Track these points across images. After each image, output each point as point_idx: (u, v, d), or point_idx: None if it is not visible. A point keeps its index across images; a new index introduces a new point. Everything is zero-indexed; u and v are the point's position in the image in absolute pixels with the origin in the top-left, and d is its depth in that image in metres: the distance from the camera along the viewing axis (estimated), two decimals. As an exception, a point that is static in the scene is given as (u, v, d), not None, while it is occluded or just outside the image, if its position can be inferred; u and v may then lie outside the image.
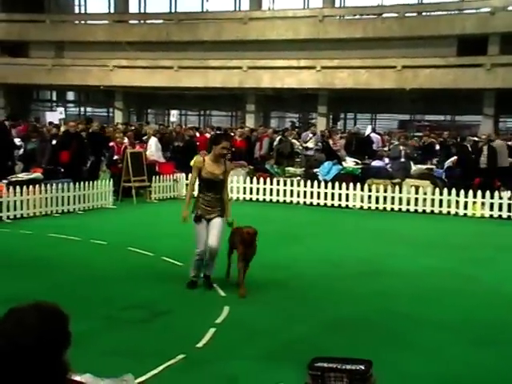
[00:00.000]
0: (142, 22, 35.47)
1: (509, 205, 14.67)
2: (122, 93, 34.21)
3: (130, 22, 35.59)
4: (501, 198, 14.81)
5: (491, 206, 14.85)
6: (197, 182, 7.52)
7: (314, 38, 30.15)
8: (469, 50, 27.82)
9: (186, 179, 17.58)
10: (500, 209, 14.73)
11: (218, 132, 8.06)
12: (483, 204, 14.93)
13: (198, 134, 21.20)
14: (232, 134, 19.53)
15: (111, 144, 16.71)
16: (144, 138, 19.53)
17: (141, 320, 6.31)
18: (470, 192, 15.01)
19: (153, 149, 17.64)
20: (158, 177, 16.66)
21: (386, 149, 19.45)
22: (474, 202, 15.00)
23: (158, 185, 16.66)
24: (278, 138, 19.79)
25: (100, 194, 14.83)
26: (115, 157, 16.19)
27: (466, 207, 15.05)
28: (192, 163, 7.58)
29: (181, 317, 6.53)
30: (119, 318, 6.35)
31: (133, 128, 23.54)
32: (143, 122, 30.27)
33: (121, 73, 32.58)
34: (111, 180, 15.39)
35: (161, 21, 34.54)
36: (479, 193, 14.93)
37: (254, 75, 30.79)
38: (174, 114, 27.24)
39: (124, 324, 6.19)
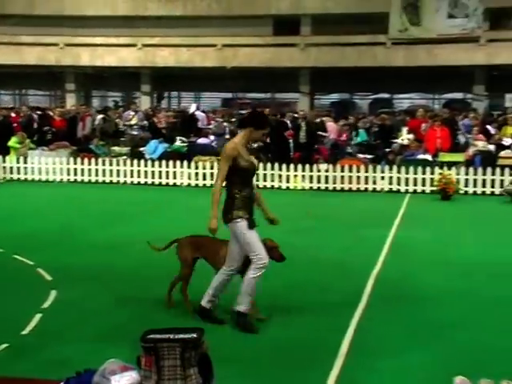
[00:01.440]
0: None
1: (326, 177, 15.62)
2: None
3: None
4: (319, 170, 15.73)
5: (310, 178, 15.72)
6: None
7: (133, 14, 29.55)
8: (284, 30, 28.99)
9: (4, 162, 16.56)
10: (319, 181, 15.64)
11: (257, 110, 5.75)
12: (303, 177, 15.75)
13: (13, 114, 20.03)
14: (51, 114, 18.63)
15: None
16: None
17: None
18: (291, 165, 15.78)
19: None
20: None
21: (211, 126, 19.71)
22: (295, 175, 15.78)
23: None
24: (100, 117, 19.24)
25: None
26: None
27: (288, 180, 15.79)
28: (225, 151, 5.44)
29: (1, 305, 6.14)
30: None
31: None
32: None
33: None
34: None
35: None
36: (299, 166, 15.75)
37: (71, 52, 29.52)
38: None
39: None
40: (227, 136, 18.27)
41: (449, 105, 28.10)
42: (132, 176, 16.28)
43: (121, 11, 29.66)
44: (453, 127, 16.94)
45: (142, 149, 17.55)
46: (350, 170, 15.39)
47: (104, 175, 16.35)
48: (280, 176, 15.80)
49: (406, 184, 15.20)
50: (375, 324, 5.64)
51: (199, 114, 21.00)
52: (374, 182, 15.37)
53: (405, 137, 16.88)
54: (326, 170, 15.67)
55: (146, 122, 19.70)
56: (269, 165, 15.83)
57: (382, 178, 15.34)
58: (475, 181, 14.85)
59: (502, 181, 14.47)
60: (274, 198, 14.06)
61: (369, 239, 9.58)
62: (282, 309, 6.00)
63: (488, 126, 17.16)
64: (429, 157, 15.90)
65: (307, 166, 15.69)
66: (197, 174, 16.15)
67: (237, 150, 5.40)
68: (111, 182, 16.18)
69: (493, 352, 4.95)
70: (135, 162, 16.34)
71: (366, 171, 15.39)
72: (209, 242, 5.98)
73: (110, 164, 16.41)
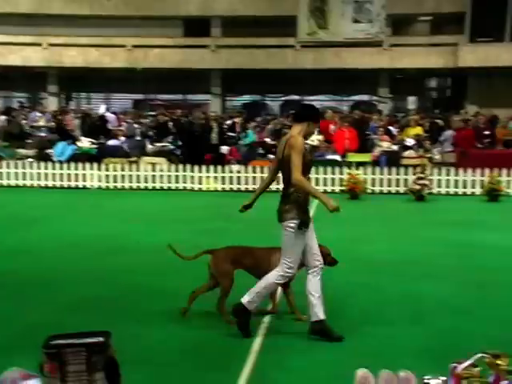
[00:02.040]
0: None
1: (238, 178, 15.70)
2: None
3: None
4: (231, 171, 15.79)
5: (222, 179, 15.75)
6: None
7: (37, 12, 28.57)
8: (194, 32, 28.92)
9: None
10: (231, 182, 15.70)
11: (311, 104, 5.35)
12: (215, 178, 15.76)
13: None
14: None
15: None
16: None
17: None
18: (203, 167, 15.75)
19: None
20: None
21: (121, 128, 19.37)
22: (207, 177, 15.77)
23: None
24: (3, 118, 18.50)
25: None
26: None
27: (200, 182, 15.75)
28: (296, 145, 5.12)
29: None
30: None
31: None
32: None
33: None
34: None
35: None
36: (211, 167, 15.74)
37: (-28, 51, 28.21)
38: None
39: None
40: (138, 138, 18.01)
41: (356, 107, 28.90)
42: (39, 179, 15.75)
43: (23, 9, 28.59)
44: (363, 128, 17.45)
45: (49, 151, 17.01)
46: (262, 171, 15.55)
47: (9, 178, 15.72)
48: (192, 177, 15.74)
49: (316, 184, 15.51)
50: (287, 322, 5.71)
51: (109, 115, 20.59)
52: (285, 183, 15.57)
53: (315, 138, 17.21)
54: (238, 171, 15.75)
55: (53, 124, 19.11)
56: (181, 166, 15.73)
57: (293, 178, 15.56)
58: (381, 180, 15.36)
59: (406, 180, 15.03)
60: (186, 200, 14.12)
61: (279, 239, 9.67)
62: (193, 310, 5.96)
63: (390, 127, 17.78)
64: (338, 157, 16.30)
65: (219, 167, 15.71)
66: (107, 176, 15.84)
67: (304, 144, 5.24)
68: (17, 186, 15.58)
69: (396, 345, 5.13)
70: (42, 164, 15.82)
71: (278, 172, 15.57)
72: (251, 252, 5.87)
73: (16, 167, 15.80)
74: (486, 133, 16.98)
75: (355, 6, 27.34)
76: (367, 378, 2.38)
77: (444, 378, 2.13)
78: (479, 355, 2.12)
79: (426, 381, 2.11)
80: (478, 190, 14.70)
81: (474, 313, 5.99)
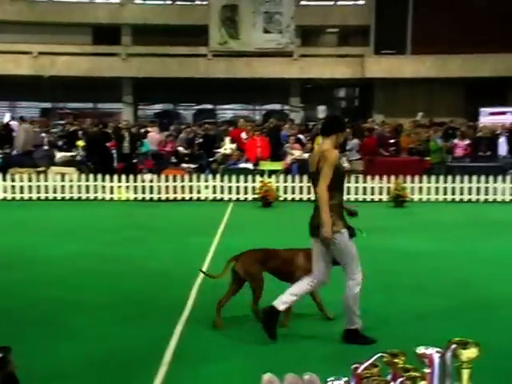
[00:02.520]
0: None
1: (150, 187, 15.55)
2: None
3: None
4: (143, 181, 15.61)
5: (135, 188, 15.55)
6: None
7: None
8: (104, 39, 28.46)
9: None
10: (143, 191, 15.52)
11: (335, 115, 5.13)
12: (127, 187, 15.54)
13: None
14: None
15: None
16: None
17: None
18: (115, 176, 15.49)
19: None
20: None
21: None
22: (119, 186, 15.52)
23: None
24: None
25: None
26: None
27: (112, 191, 15.48)
28: (330, 158, 5.18)
29: None
30: None
31: None
32: None
33: None
34: None
35: None
36: (123, 177, 15.51)
37: None
38: None
39: None
40: (46, 147, 17.49)
41: (269, 116, 29.32)
42: None
43: None
44: (277, 137, 17.69)
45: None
46: (175, 180, 15.47)
47: None
48: (103, 187, 15.45)
49: (230, 192, 15.60)
50: (199, 331, 5.71)
51: (14, 123, 19.88)
52: (199, 191, 15.59)
53: (227, 146, 17.33)
54: (151, 181, 15.60)
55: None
56: (91, 176, 15.41)
57: (206, 187, 15.60)
58: (293, 188, 15.64)
59: (317, 187, 15.36)
60: (97, 210, 13.82)
61: (194, 247, 9.68)
62: (105, 321, 5.86)
63: (300, 136, 18.15)
64: (250, 165, 16.46)
65: (131, 177, 15.51)
66: (13, 186, 15.29)
67: (338, 156, 5.34)
68: None
69: (304, 349, 5.25)
70: None
71: (191, 181, 15.57)
72: (276, 254, 5.95)
73: None
74: (392, 141, 17.64)
75: (265, 16, 27.80)
76: (273, 382, 2.43)
77: (346, 379, 2.22)
78: (378, 355, 2.22)
79: (329, 383, 2.19)
80: (385, 197, 15.23)
81: (379, 315, 6.20)
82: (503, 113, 18.60)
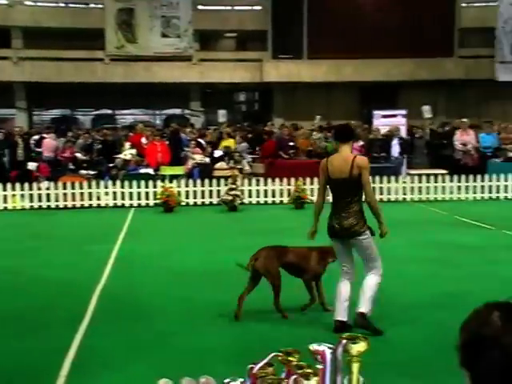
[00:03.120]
0: None
1: (47, 195, 15.04)
2: None
3: None
4: (39, 188, 15.07)
5: (30, 197, 14.99)
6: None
7: None
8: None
9: None
10: (39, 199, 14.98)
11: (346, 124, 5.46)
12: (22, 196, 14.95)
13: None
14: None
15: None
16: None
17: None
18: (8, 184, 14.87)
19: None
20: None
21: None
22: (14, 195, 14.90)
23: None
24: None
25: None
26: None
27: (5, 200, 14.84)
28: (367, 165, 5.74)
29: None
30: None
31: None
32: None
33: None
34: None
35: None
36: (17, 185, 14.91)
37: None
38: None
39: None
40: None
41: (169, 120, 29.14)
42: None
43: None
44: (178, 141, 17.58)
45: None
46: (73, 187, 15.04)
47: None
48: (-4, 197, 14.79)
49: (130, 198, 15.36)
50: (99, 340, 5.59)
51: None
52: (98, 198, 15.24)
53: (127, 152, 17.04)
54: (48, 188, 15.09)
55: None
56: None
57: (106, 193, 15.28)
58: (195, 192, 15.61)
59: (218, 191, 15.43)
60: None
61: (94, 255, 9.46)
62: (6, 334, 5.61)
63: (201, 140, 18.17)
64: (151, 171, 16.28)
65: (26, 185, 14.94)
66: None
67: None
68: None
69: (206, 352, 5.27)
70: None
71: (90, 187, 15.19)
72: (290, 251, 6.34)
73: None
74: (291, 144, 17.99)
75: (163, 20, 27.61)
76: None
77: (242, 380, 2.25)
78: (273, 354, 2.27)
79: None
80: (285, 199, 15.50)
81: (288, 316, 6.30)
82: (394, 115, 19.43)
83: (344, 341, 2.26)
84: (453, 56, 28.92)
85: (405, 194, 15.79)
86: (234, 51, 30.19)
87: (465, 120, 18.51)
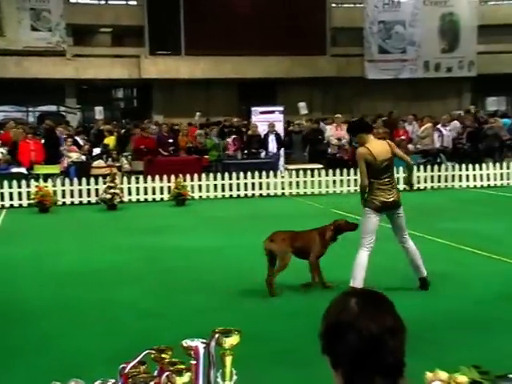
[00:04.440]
0: None
1: None
2: None
3: None
4: None
5: None
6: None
7: None
8: None
9: None
10: None
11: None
12: None
13: None
14: None
15: None
16: None
17: None
18: None
19: None
20: None
21: None
22: None
23: None
24: None
25: None
26: None
27: None
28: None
29: None
30: None
31: None
32: None
33: None
34: None
35: None
36: None
37: None
38: None
39: None
40: None
41: (44, 117, 27.99)
42: None
43: None
44: (53, 139, 16.91)
45: None
46: None
47: None
48: None
49: (2, 199, 14.63)
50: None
51: None
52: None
53: (-2, 151, 16.21)
54: None
55: None
56: None
57: (-25, 195, 14.44)
58: (72, 191, 15.12)
59: (97, 190, 15.04)
60: None
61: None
62: None
63: (77, 138, 17.64)
64: (23, 170, 15.59)
65: None
66: None
67: None
68: None
69: (87, 354, 5.15)
70: None
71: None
72: (302, 235, 7.01)
73: None
74: (170, 141, 17.88)
75: (32, 13, 26.44)
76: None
77: (113, 381, 2.22)
78: (145, 352, 2.26)
79: (94, 386, 2.18)
80: (166, 196, 15.38)
81: (165, 314, 6.28)
82: (272, 111, 19.82)
83: (217, 334, 2.29)
84: (326, 54, 29.96)
85: (283, 188, 16.18)
86: (110, 47, 29.50)
87: (338, 116, 19.27)
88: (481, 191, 16.22)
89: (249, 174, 15.88)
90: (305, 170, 16.42)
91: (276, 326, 5.82)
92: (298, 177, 16.31)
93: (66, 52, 27.33)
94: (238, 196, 15.91)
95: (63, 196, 15.01)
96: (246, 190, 15.98)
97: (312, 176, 16.29)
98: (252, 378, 2.78)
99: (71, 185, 15.12)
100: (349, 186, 16.37)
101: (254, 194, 16.01)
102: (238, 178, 15.92)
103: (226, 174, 15.95)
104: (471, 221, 11.37)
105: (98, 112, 22.22)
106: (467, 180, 16.86)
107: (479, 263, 8.24)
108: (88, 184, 15.16)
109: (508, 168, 17.09)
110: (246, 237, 10.48)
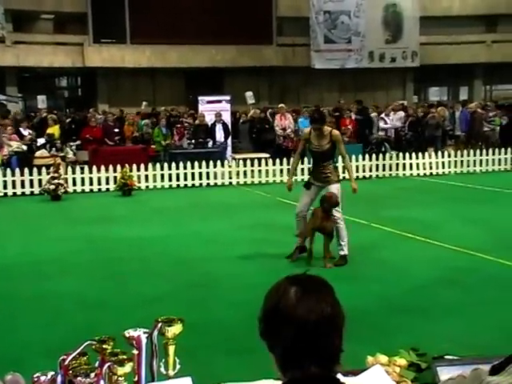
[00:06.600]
0: None
1: None
2: None
3: None
4: None
5: None
6: None
7: None
8: None
9: None
10: None
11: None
12: None
13: None
14: None
15: None
16: None
17: None
18: None
19: None
20: None
21: None
22: None
23: None
24: None
25: None
26: None
27: None
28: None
29: None
30: None
31: None
32: None
33: None
34: None
35: None
36: None
37: None
38: None
39: None
40: None
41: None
42: None
43: None
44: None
45: None
46: None
47: None
48: None
49: None
50: None
51: None
52: None
53: None
54: None
55: None
56: None
57: None
58: (14, 182, 14.76)
59: (40, 180, 14.72)
60: None
61: None
62: None
63: (20, 128, 17.20)
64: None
65: None
66: None
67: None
68: None
69: (27, 347, 5.08)
70: None
71: None
72: (320, 212, 7.63)
73: None
74: (116, 130, 17.64)
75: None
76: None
77: (53, 373, 2.19)
78: (86, 343, 2.24)
79: (35, 378, 2.15)
80: (112, 186, 15.18)
81: (109, 305, 6.22)
82: (219, 101, 19.76)
83: (159, 324, 2.29)
84: (272, 44, 29.99)
85: (230, 178, 16.19)
86: (52, 34, 28.73)
87: (282, 105, 19.38)
88: (423, 179, 16.62)
89: (196, 163, 15.82)
90: (252, 160, 16.47)
91: (220, 315, 5.84)
92: (245, 166, 16.35)
93: (6, 38, 26.49)
94: (186, 186, 15.84)
95: (4, 187, 14.64)
96: (193, 179, 15.92)
97: (259, 165, 16.35)
98: (195, 366, 2.78)
99: (13, 175, 14.75)
100: (296, 175, 16.46)
101: (201, 184, 15.96)
102: (185, 168, 15.84)
103: (173, 164, 15.85)
104: (413, 208, 11.66)
105: (41, 101, 21.71)
106: (410, 168, 17.24)
107: (420, 249, 8.46)
108: (31, 174, 14.82)
109: (449, 157, 17.57)
110: (193, 226, 10.49)
